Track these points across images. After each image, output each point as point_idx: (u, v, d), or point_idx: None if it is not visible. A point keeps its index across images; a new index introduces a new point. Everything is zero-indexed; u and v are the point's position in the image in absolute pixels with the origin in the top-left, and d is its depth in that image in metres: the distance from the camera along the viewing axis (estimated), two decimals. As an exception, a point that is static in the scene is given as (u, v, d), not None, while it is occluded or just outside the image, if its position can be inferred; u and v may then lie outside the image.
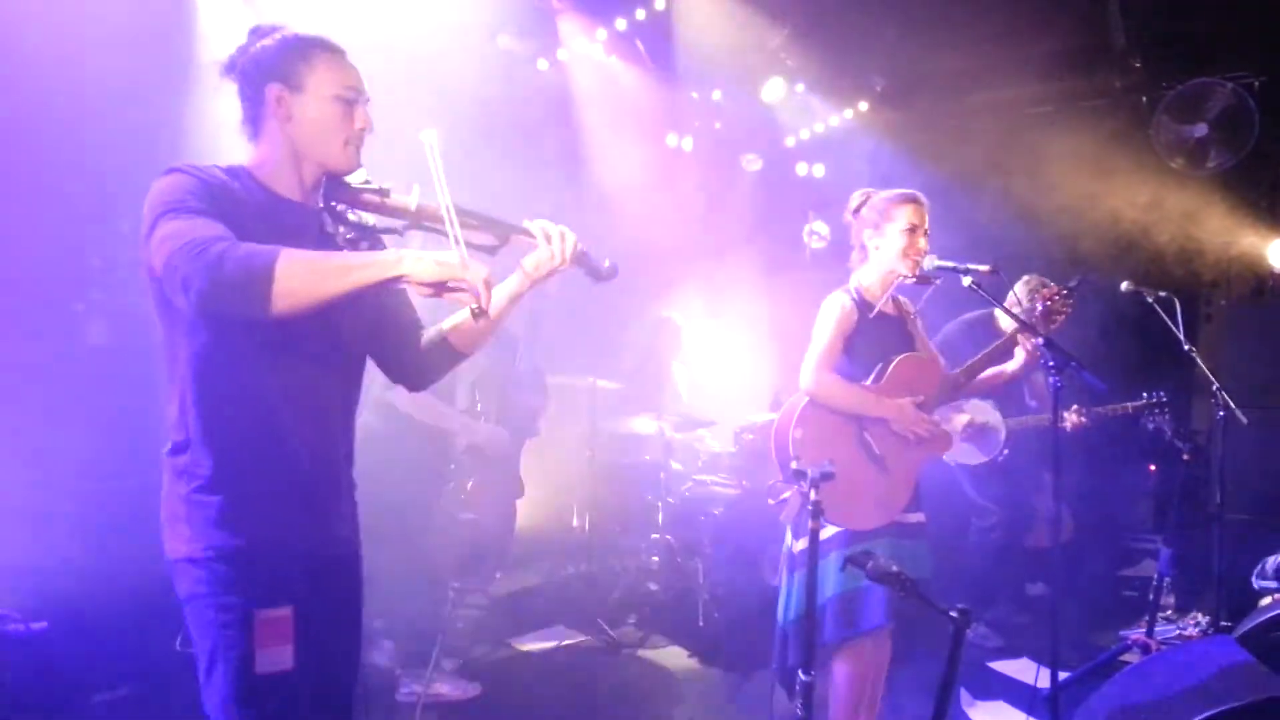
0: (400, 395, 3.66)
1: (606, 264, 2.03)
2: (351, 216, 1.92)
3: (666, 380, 5.80)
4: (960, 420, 4.47)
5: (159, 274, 1.62)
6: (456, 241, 1.69)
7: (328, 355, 1.88)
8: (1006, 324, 3.69)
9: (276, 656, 1.73)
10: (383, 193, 1.88)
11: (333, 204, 1.90)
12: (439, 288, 1.66)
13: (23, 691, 3.28)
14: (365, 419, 4.05)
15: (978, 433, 4.49)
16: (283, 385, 1.80)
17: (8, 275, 3.53)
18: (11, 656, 3.31)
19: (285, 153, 1.85)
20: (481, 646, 4.36)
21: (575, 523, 5.58)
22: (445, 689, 3.75)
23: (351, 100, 1.85)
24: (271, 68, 1.82)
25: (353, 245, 1.91)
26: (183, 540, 1.77)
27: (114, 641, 3.47)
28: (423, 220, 1.84)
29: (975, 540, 4.67)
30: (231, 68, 1.86)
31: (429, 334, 2.07)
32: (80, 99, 3.54)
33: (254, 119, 1.85)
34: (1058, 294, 3.21)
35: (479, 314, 1.66)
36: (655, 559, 5.08)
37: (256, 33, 1.87)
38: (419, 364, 2.07)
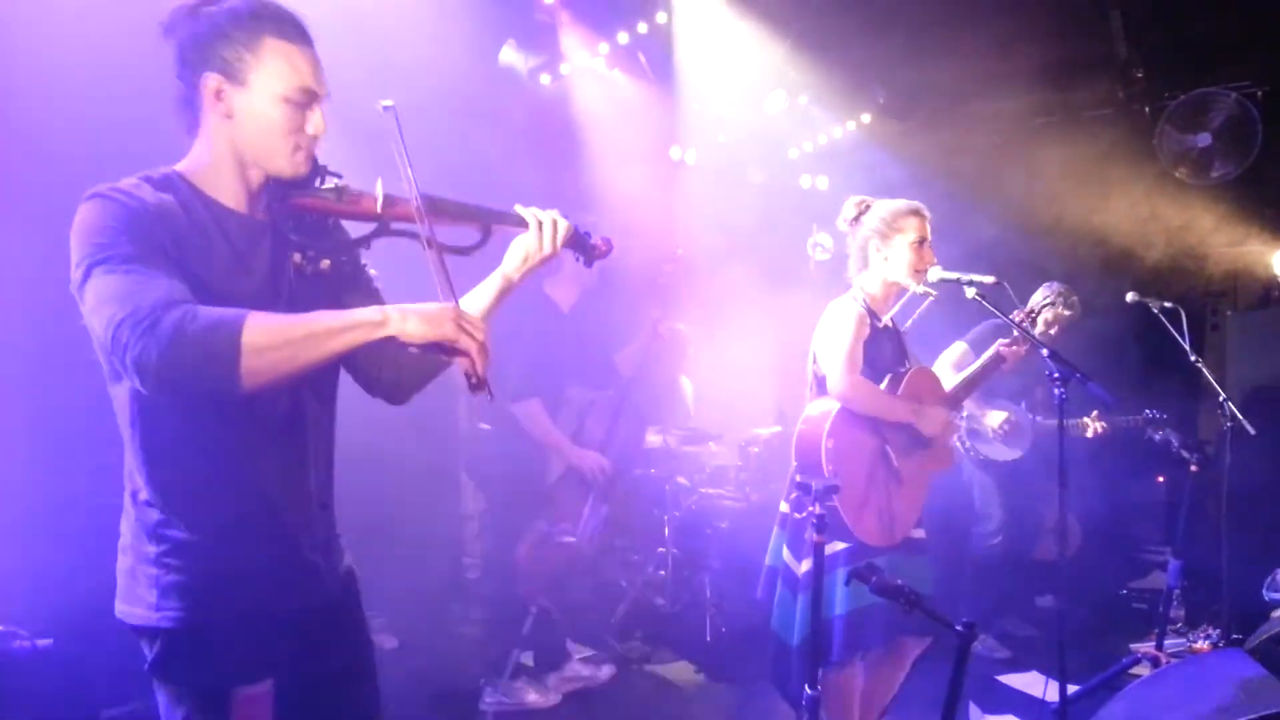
0: (518, 406, 3.86)
1: (598, 240, 1.87)
2: (306, 223, 1.63)
3: (675, 392, 5.80)
4: (997, 419, 4.53)
5: (104, 346, 1.38)
6: (442, 249, 1.50)
7: (296, 393, 1.65)
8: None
9: None
10: (340, 192, 1.60)
11: (283, 212, 1.61)
12: (431, 348, 1.49)
13: (29, 708, 3.28)
14: (483, 427, 4.22)
15: (1012, 431, 4.55)
16: (250, 435, 1.59)
17: (9, 288, 3.55)
18: (17, 673, 3.31)
19: (225, 154, 1.58)
20: (485, 661, 4.34)
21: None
22: (532, 696, 3.91)
23: (303, 104, 1.57)
24: (211, 51, 1.52)
25: (312, 264, 1.64)
26: (149, 608, 1.57)
27: (121, 657, 3.46)
28: (391, 221, 1.59)
29: (979, 549, 4.67)
30: (170, 30, 1.55)
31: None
32: (80, 104, 3.55)
33: (188, 108, 1.57)
34: (1027, 315, 3.22)
35: (476, 386, 1.50)
36: (662, 573, 5.07)
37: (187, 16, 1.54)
38: (397, 379, 1.85)
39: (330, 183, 1.61)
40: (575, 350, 4.07)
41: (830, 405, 2.83)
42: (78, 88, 3.42)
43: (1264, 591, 4.04)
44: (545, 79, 5.68)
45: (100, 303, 1.38)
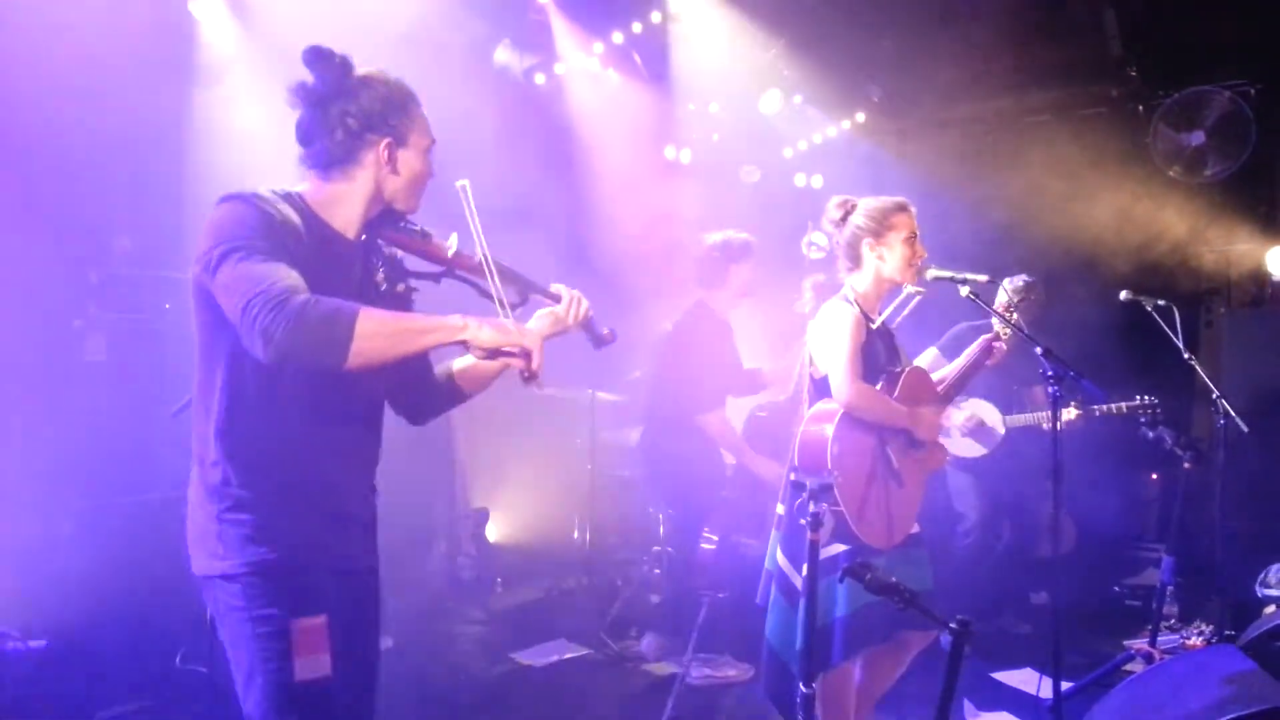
0: (706, 417, 4.11)
1: (606, 331, 2.13)
2: (387, 252, 2.01)
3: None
4: (959, 416, 4.62)
5: (233, 316, 1.66)
6: (501, 304, 1.84)
7: (356, 388, 1.92)
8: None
9: (315, 664, 1.79)
10: (425, 236, 1.95)
11: (377, 240, 1.97)
12: (494, 352, 1.80)
13: (22, 710, 3.28)
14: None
15: (977, 428, 4.64)
16: (315, 419, 1.86)
17: (6, 291, 3.54)
18: (11, 675, 3.31)
19: (364, 195, 1.92)
20: (481, 660, 4.36)
21: (576, 535, 5.57)
22: (730, 672, 4.15)
23: (430, 150, 1.97)
24: (382, 119, 1.89)
25: (390, 284, 2.01)
26: (215, 557, 1.81)
27: (114, 659, 3.46)
28: (457, 269, 1.92)
29: (958, 546, 4.71)
30: (317, 103, 1.88)
31: (439, 371, 2.14)
32: (78, 113, 3.55)
33: (343, 161, 1.89)
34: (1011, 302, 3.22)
35: (529, 378, 1.82)
36: (657, 571, 5.08)
37: (344, 68, 1.88)
38: (422, 402, 2.15)
39: (417, 226, 1.96)
40: (736, 362, 4.30)
41: (833, 408, 2.82)
42: (75, 102, 3.43)
43: (1257, 588, 4.05)
44: (540, 79, 5.69)
45: (236, 280, 1.66)
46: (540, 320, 2.02)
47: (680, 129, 6.48)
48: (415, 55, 4.28)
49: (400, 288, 2.03)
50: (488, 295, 1.90)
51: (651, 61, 5.95)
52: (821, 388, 2.90)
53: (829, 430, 2.76)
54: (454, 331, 1.75)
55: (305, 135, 1.91)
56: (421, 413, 2.17)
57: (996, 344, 3.13)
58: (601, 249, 5.67)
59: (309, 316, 1.61)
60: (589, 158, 5.89)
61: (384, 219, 1.96)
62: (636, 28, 5.66)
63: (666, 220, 5.76)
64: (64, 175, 3.63)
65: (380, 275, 2.00)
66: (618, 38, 5.71)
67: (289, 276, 1.67)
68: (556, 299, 2.03)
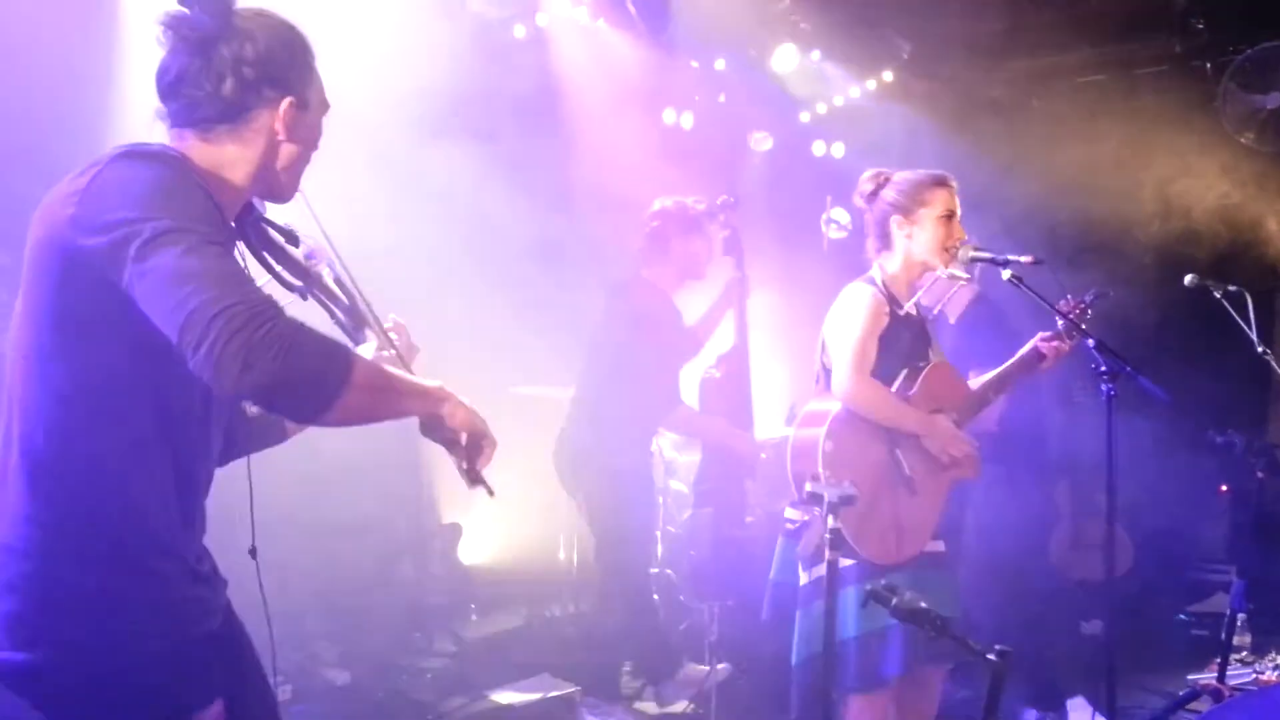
0: (671, 419, 4.25)
1: None
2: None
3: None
4: None
5: (179, 323, 1.43)
6: (382, 333, 1.81)
7: (208, 419, 1.77)
8: None
9: None
10: (294, 238, 1.85)
11: (247, 233, 1.81)
12: (450, 440, 1.70)
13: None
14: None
15: None
16: (174, 454, 1.68)
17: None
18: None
19: (254, 165, 1.74)
20: (454, 699, 4.35)
21: (561, 556, 5.56)
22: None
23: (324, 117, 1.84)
24: (284, 72, 1.73)
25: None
26: (75, 633, 1.58)
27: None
28: (312, 286, 1.81)
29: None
30: (199, 43, 1.67)
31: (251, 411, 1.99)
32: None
33: (232, 119, 1.70)
34: (1075, 308, 3.19)
35: (476, 481, 1.74)
36: (655, 597, 5.07)
37: (236, 11, 1.70)
38: (228, 449, 1.94)
39: (283, 223, 1.85)
40: (685, 343, 4.35)
41: (832, 404, 2.84)
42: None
43: (1340, 615, 4.06)
44: (519, 30, 5.66)
45: (190, 276, 1.44)
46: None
47: (681, 90, 6.46)
48: (374, 10, 4.28)
49: (266, 280, 1.85)
50: (344, 327, 1.82)
51: (648, 12, 5.92)
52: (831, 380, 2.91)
53: (823, 427, 2.79)
54: (432, 403, 1.66)
55: (177, 82, 1.68)
56: (224, 456, 1.94)
57: (1053, 344, 3.11)
58: (586, 229, 5.66)
59: (305, 345, 1.45)
60: (575, 123, 5.86)
61: (249, 209, 1.80)
62: (631, -27, 5.64)
63: (663, 195, 5.74)
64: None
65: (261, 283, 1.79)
66: (609, -16, 5.69)
67: (252, 283, 1.52)
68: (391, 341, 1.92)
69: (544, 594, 5.58)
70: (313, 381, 1.47)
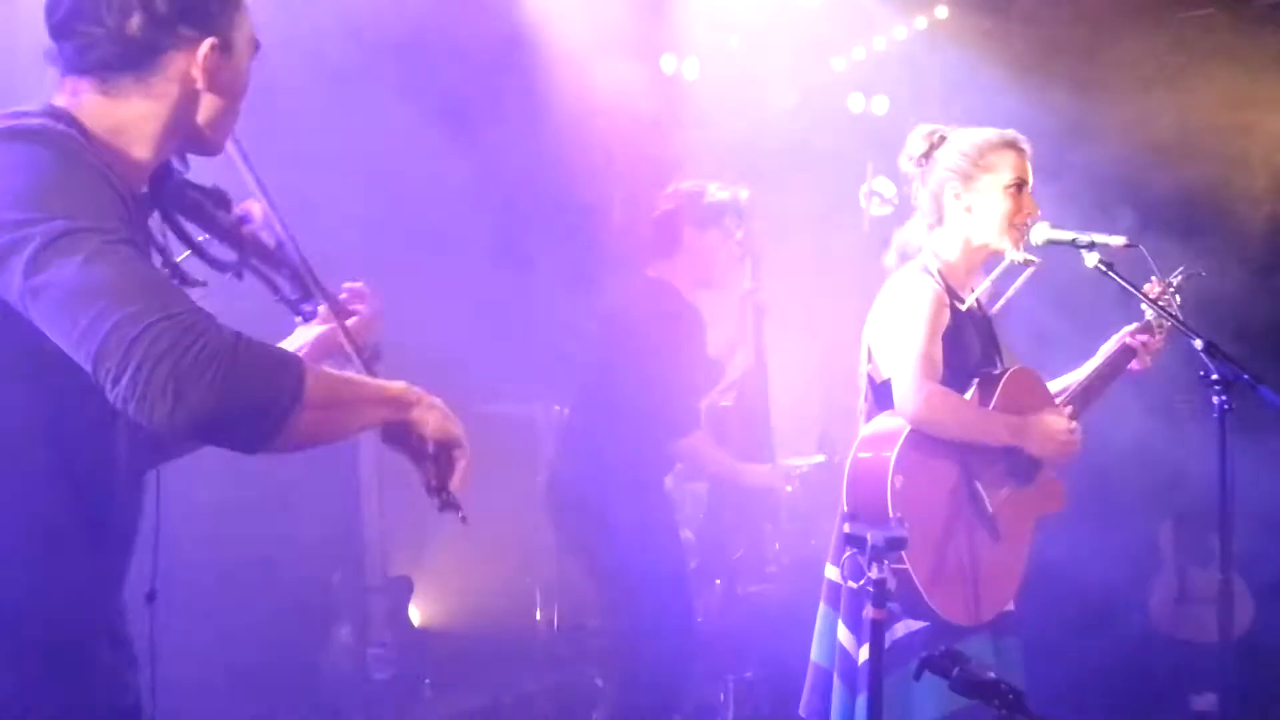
0: (680, 445, 4.16)
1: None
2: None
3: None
4: None
5: (92, 348, 1.43)
6: (325, 298, 1.89)
7: (135, 454, 1.80)
8: None
9: None
10: (222, 200, 1.87)
11: (164, 201, 1.83)
12: (418, 451, 1.71)
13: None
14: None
15: None
16: (103, 511, 1.72)
17: None
18: None
19: (167, 122, 1.75)
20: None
21: (539, 614, 5.58)
22: None
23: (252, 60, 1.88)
24: (204, 7, 1.73)
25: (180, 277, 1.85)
26: None
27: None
28: (253, 258, 1.87)
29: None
30: None
31: None
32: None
33: (138, 65, 1.70)
34: (1162, 291, 3.19)
35: (449, 505, 1.75)
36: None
37: None
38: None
39: (209, 185, 1.88)
40: (706, 361, 4.33)
41: (898, 424, 2.81)
42: None
43: None
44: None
45: (94, 292, 1.43)
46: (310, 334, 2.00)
47: (683, 32, 6.46)
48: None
49: (186, 254, 1.87)
50: (290, 301, 1.91)
51: (642, -65, 5.93)
52: (884, 395, 2.88)
53: (892, 456, 2.74)
54: (400, 407, 1.69)
55: (71, 17, 1.68)
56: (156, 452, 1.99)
57: (1144, 340, 3.10)
58: (567, 201, 5.65)
59: (246, 363, 1.46)
60: (554, 71, 5.85)
61: (166, 172, 1.82)
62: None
63: (661, 161, 5.74)
64: None
65: (181, 258, 1.83)
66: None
67: (178, 294, 1.53)
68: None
69: (516, 664, 5.57)
70: (259, 407, 1.48)
